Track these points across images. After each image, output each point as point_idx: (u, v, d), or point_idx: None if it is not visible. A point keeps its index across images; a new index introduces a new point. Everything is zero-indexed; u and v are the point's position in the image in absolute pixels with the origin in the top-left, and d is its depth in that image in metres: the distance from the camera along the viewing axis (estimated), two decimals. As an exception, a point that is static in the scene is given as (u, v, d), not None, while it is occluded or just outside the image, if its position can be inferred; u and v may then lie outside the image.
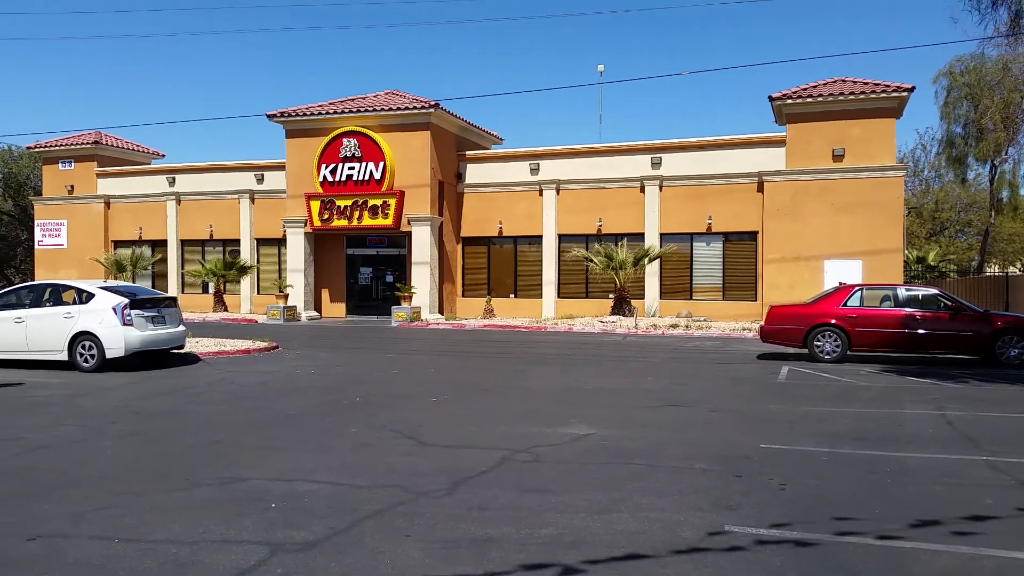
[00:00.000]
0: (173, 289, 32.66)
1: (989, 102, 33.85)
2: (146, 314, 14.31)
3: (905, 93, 24.03)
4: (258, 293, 31.86)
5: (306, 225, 29.13)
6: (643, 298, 26.90)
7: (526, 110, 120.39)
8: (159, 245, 33.66)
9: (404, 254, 29.20)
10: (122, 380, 12.86)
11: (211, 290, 31.74)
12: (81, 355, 13.93)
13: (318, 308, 30.26)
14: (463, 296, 29.95)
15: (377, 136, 27.89)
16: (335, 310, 30.45)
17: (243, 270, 30.77)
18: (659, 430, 8.66)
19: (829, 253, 24.38)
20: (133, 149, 36.45)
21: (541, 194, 28.49)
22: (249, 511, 5.60)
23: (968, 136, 37.62)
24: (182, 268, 33.28)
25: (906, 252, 42.35)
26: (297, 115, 29.08)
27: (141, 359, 14.62)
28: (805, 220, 24.71)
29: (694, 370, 14.35)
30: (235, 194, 32.18)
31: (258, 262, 31.98)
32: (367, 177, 28.04)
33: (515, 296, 29.15)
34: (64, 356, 14.00)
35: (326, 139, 28.44)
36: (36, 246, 35.57)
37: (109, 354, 13.79)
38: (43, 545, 4.97)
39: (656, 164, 27.14)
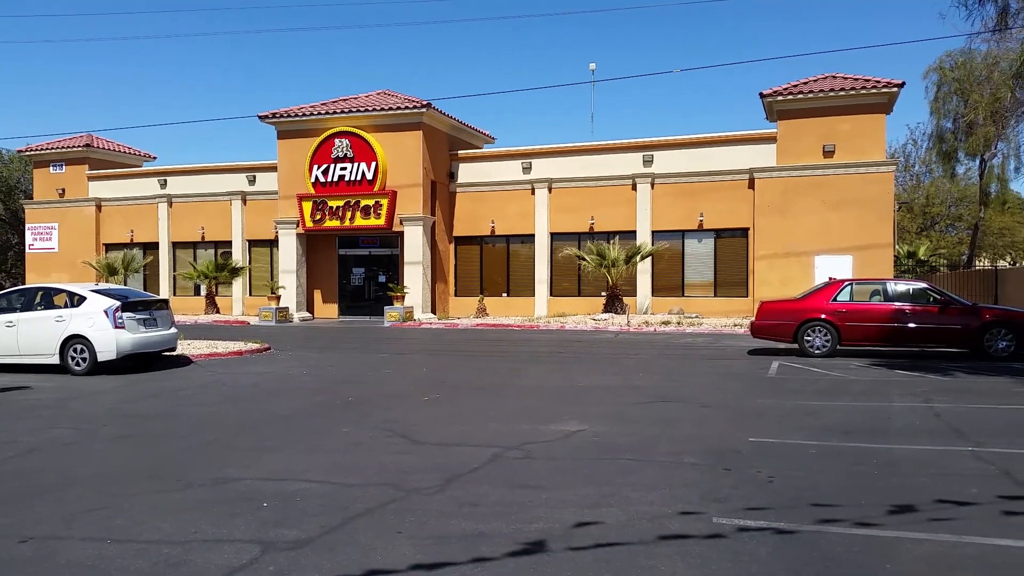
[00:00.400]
0: (165, 291, 32.60)
1: (978, 97, 34.03)
2: (138, 317, 14.31)
3: (895, 89, 24.15)
4: (250, 295, 31.84)
5: (298, 226, 29.12)
6: (635, 295, 26.97)
7: (518, 109, 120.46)
8: (151, 247, 33.60)
9: (396, 254, 29.21)
10: (114, 383, 12.86)
11: (203, 292, 31.69)
12: (73, 358, 13.92)
13: (310, 309, 30.26)
14: (456, 295, 29.98)
15: (369, 136, 27.89)
16: (327, 311, 30.45)
17: (235, 272, 30.74)
18: (650, 426, 8.72)
19: (820, 249, 24.50)
20: (124, 152, 36.37)
21: (533, 193, 28.54)
22: (241, 511, 5.64)
23: (958, 131, 37.83)
24: (174, 270, 33.23)
25: (897, 247, 42.51)
26: (289, 116, 29.07)
27: (133, 362, 14.61)
28: (796, 216, 24.82)
29: (685, 366, 14.42)
30: (227, 196, 32.15)
31: (250, 263, 31.95)
32: (359, 177, 28.05)
33: (508, 295, 29.20)
34: (56, 360, 13.98)
35: (318, 140, 28.44)
36: (27, 250, 35.49)
37: (101, 357, 13.78)
38: (35, 547, 5.00)
39: (648, 162, 27.22)
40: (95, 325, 13.84)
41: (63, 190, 34.78)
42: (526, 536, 5.03)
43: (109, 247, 34.31)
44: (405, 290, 27.40)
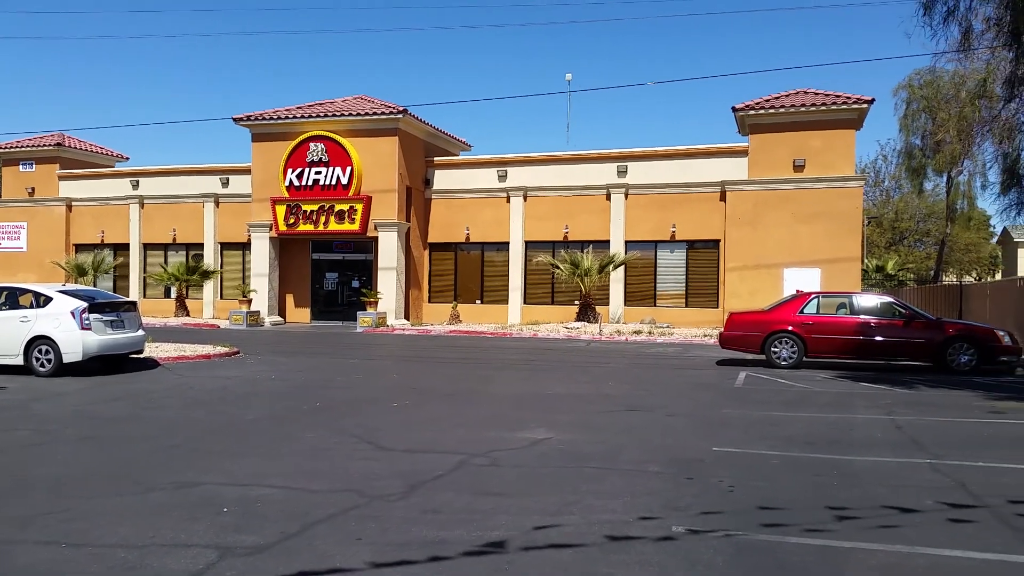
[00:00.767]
0: (135, 293, 32.22)
1: (946, 115, 34.67)
2: (105, 318, 14.14)
3: (865, 105, 24.56)
4: (221, 298, 31.57)
5: (271, 229, 28.93)
6: (608, 305, 27.12)
7: (494, 117, 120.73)
8: (121, 249, 33.21)
9: (371, 259, 29.12)
10: (79, 385, 12.69)
11: (173, 295, 31.34)
12: (37, 359, 13.71)
13: (282, 313, 30.06)
14: (429, 302, 29.95)
15: (345, 141, 27.82)
16: (300, 315, 30.27)
17: (206, 275, 30.46)
18: (617, 434, 8.78)
19: (789, 261, 24.80)
20: (96, 151, 35.95)
21: (508, 201, 28.62)
22: (201, 515, 5.60)
23: (926, 148, 38.49)
24: (144, 272, 32.86)
25: (866, 261, 43.20)
26: (264, 119, 28.91)
27: (99, 364, 14.43)
28: (766, 229, 25.11)
29: (655, 375, 14.52)
30: (199, 198, 31.88)
31: (222, 267, 31.68)
32: (334, 182, 27.95)
33: (481, 302, 29.22)
34: (20, 360, 13.76)
35: (293, 143, 28.31)
36: (-6, 249, 34.92)
37: (66, 359, 13.60)
38: (-11, 550, 4.93)
39: (622, 172, 27.42)
40: (61, 326, 13.66)
41: (33, 189, 34.29)
42: (486, 543, 5.04)
43: (79, 247, 33.86)
44: (378, 296, 27.33)
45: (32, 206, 34.20)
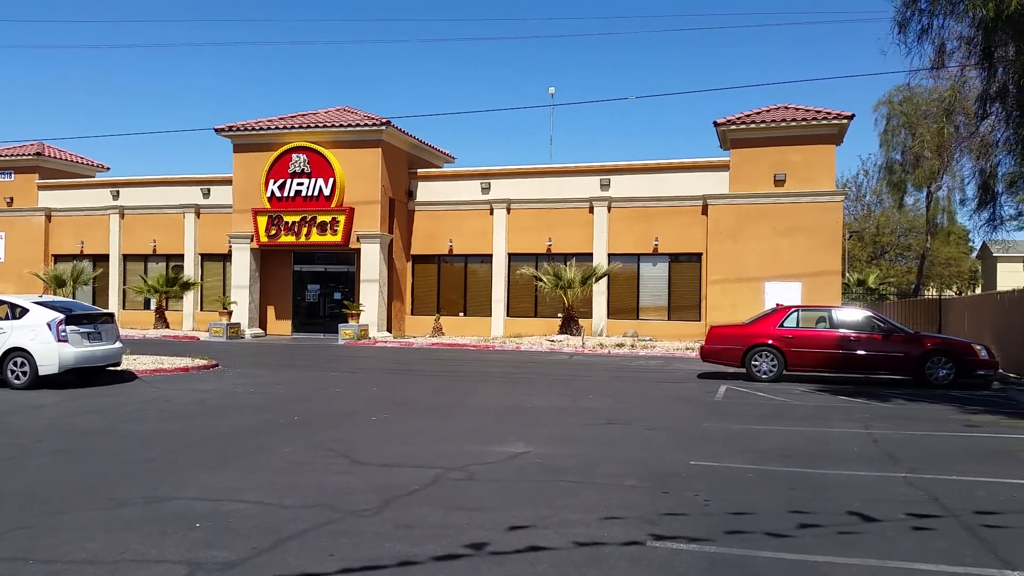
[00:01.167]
0: (114, 305, 31.92)
1: (924, 131, 35.09)
2: (82, 330, 14.00)
3: (845, 121, 24.82)
4: (201, 310, 31.34)
5: (252, 241, 28.80)
6: (591, 317, 27.16)
7: (478, 129, 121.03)
8: (101, 260, 32.93)
9: (353, 271, 29.03)
10: (55, 398, 12.55)
11: (153, 306, 31.08)
12: (12, 372, 13.55)
13: (263, 325, 29.88)
14: (412, 314, 29.88)
15: (327, 152, 27.77)
16: (281, 327, 30.10)
17: (186, 286, 30.24)
18: (596, 448, 8.77)
19: (770, 275, 24.96)
20: (76, 161, 35.70)
21: (492, 213, 28.65)
22: (173, 531, 5.54)
23: (906, 163, 38.93)
24: (124, 284, 32.58)
25: (847, 275, 43.54)
26: (246, 129, 28.83)
27: (76, 376, 14.27)
28: (747, 243, 25.28)
29: (636, 389, 14.54)
30: (180, 208, 31.69)
31: (202, 278, 31.47)
32: (316, 193, 27.88)
33: (464, 314, 29.18)
34: (-6, 373, 13.59)
35: (275, 154, 28.22)
36: (-29, 259, 34.53)
37: (42, 371, 13.44)
38: (-46, 566, 4.85)
39: (605, 185, 27.53)
40: (37, 338, 13.51)
41: (11, 199, 33.98)
42: (458, 558, 5.02)
43: (58, 258, 33.56)
44: (361, 308, 27.23)
45: (10, 216, 33.88)
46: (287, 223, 28.09)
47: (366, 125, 27.54)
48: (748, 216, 25.38)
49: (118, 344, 15.02)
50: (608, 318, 27.27)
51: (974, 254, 60.58)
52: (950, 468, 7.84)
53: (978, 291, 58.04)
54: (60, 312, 13.88)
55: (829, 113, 25.00)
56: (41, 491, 6.71)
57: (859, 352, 15.32)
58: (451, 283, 29.65)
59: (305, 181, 27.93)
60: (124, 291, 32.56)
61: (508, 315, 28.50)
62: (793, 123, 24.86)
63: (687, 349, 22.74)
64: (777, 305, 17.23)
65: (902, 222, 49.93)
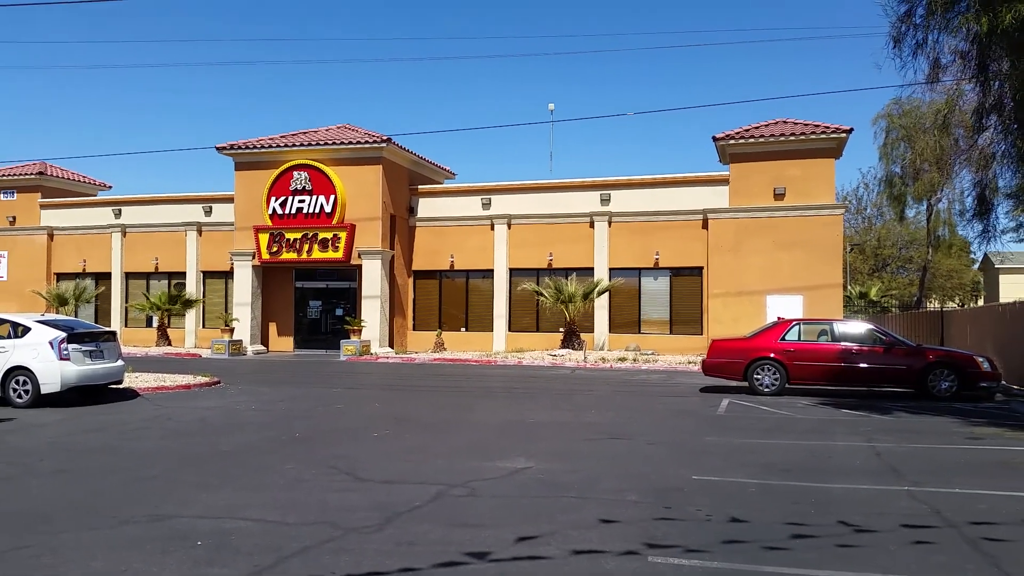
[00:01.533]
0: (116, 323, 31.95)
1: (923, 144, 35.14)
2: (84, 348, 14.02)
3: (844, 134, 24.90)
4: (203, 327, 31.36)
5: (254, 258, 28.87)
6: (593, 332, 27.16)
7: (478, 145, 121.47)
8: (103, 278, 33.00)
9: (354, 287, 29.08)
10: (56, 416, 12.55)
11: (155, 324, 31.10)
12: (15, 390, 13.56)
13: (265, 342, 29.89)
14: (414, 330, 29.88)
15: (328, 169, 27.88)
16: (283, 344, 30.11)
17: (188, 303, 30.28)
18: (597, 463, 8.76)
19: (771, 288, 24.96)
20: (79, 180, 35.85)
21: (492, 228, 28.72)
22: (174, 549, 5.53)
23: (906, 176, 38.95)
24: (126, 301, 32.62)
25: (849, 288, 43.52)
26: (247, 148, 28.96)
27: (78, 394, 14.28)
28: (748, 256, 25.30)
29: (638, 403, 14.52)
30: (182, 226, 31.78)
31: (204, 296, 31.51)
32: (317, 210, 27.97)
33: (466, 330, 29.18)
34: (-4, 391, 13.61)
35: (276, 172, 28.34)
36: (-26, 278, 34.60)
37: (44, 389, 13.46)
38: (-44, 586, 4.85)
39: (605, 200, 27.60)
40: (39, 356, 13.53)
41: (14, 218, 34.11)
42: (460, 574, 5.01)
43: (60, 277, 33.64)
44: (363, 324, 27.25)
45: (13, 235, 33.99)
46: (289, 240, 28.17)
47: (367, 142, 27.67)
48: (748, 230, 25.42)
49: (120, 362, 15.04)
50: (610, 332, 27.27)
51: (976, 266, 60.50)
52: (953, 481, 7.83)
53: (980, 303, 57.95)
54: (62, 330, 13.91)
55: (828, 127, 25.09)
56: (43, 510, 6.71)
57: (861, 365, 15.30)
58: (453, 298, 29.68)
59: (306, 198, 28.03)
60: (126, 309, 32.60)
61: (510, 330, 28.51)
62: (792, 137, 24.95)
63: (689, 363, 22.72)
64: (779, 318, 17.23)
65: (903, 234, 49.90)
